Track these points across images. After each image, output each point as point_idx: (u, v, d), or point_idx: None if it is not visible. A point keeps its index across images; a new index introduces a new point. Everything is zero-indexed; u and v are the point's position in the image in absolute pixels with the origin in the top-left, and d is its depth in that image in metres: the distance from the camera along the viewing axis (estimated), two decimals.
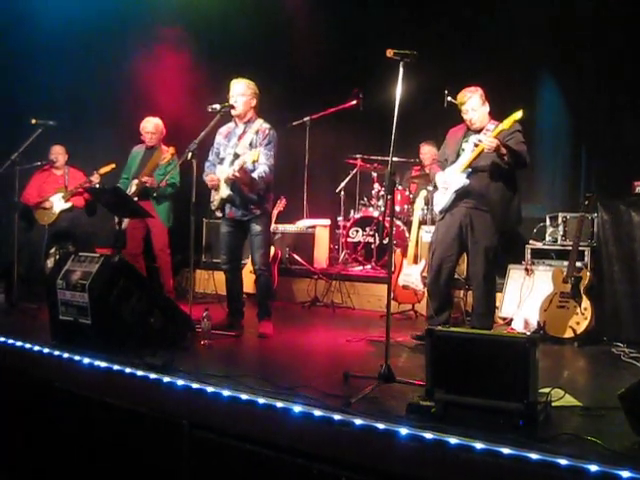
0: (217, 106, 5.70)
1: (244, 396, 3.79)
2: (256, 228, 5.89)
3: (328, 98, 9.06)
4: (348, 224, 8.71)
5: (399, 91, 4.29)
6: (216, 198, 5.92)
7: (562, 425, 3.54)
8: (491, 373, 3.44)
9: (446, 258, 5.71)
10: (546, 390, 3.80)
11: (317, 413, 3.50)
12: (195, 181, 5.63)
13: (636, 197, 5.83)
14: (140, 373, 4.28)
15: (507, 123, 5.39)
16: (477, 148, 5.53)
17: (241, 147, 5.77)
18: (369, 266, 8.44)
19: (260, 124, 5.87)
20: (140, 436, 4.11)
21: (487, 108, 5.69)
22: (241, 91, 5.83)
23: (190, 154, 5.52)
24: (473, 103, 5.63)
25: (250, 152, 5.58)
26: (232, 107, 5.79)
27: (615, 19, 7.62)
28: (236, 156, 5.70)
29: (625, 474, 2.79)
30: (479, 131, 5.67)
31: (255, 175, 5.67)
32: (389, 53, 4.26)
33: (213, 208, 6.01)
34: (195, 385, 4.01)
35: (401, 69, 4.29)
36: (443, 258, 5.71)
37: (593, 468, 2.84)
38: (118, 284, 5.01)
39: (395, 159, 8.45)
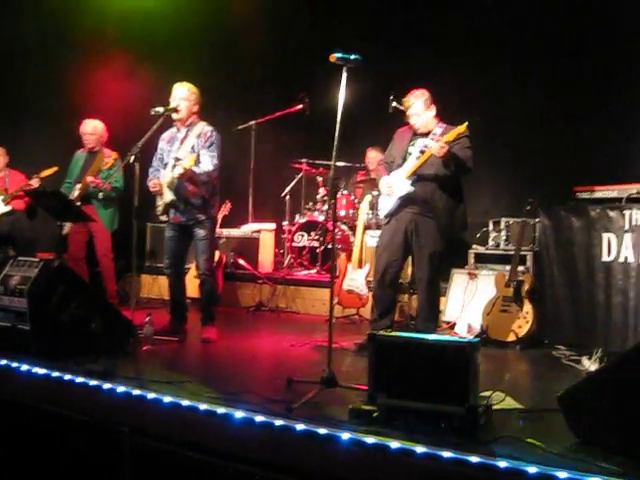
0: (160, 109, 5.62)
1: (185, 402, 3.76)
2: (200, 233, 5.85)
3: (274, 102, 9.04)
4: (293, 228, 8.68)
5: (342, 96, 4.28)
6: (160, 203, 5.86)
7: (503, 428, 3.57)
8: (433, 377, 3.46)
9: (391, 263, 5.71)
10: (487, 393, 3.84)
11: (258, 419, 3.47)
12: (138, 185, 5.56)
13: (576, 203, 5.93)
14: (80, 380, 4.20)
15: (451, 135, 5.32)
16: (424, 155, 5.52)
17: (182, 151, 5.73)
18: (314, 270, 8.43)
19: (202, 127, 5.83)
20: (81, 444, 4.03)
21: (432, 112, 5.68)
22: (184, 95, 5.78)
23: (132, 157, 5.44)
24: (417, 108, 5.63)
25: (187, 157, 5.55)
26: (176, 110, 5.74)
27: (557, 25, 7.76)
28: (177, 160, 5.65)
29: (562, 475, 2.83)
30: (426, 135, 5.70)
31: (197, 170, 5.62)
32: (332, 58, 4.24)
33: (158, 213, 5.95)
34: (136, 391, 3.96)
35: (344, 74, 4.28)
36: (388, 263, 5.71)
37: (532, 470, 2.88)
38: (58, 289, 4.93)
39: (341, 164, 8.57)
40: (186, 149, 5.75)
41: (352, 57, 4.30)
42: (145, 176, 5.84)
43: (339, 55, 4.25)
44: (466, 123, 5.34)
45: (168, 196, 5.76)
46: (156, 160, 5.97)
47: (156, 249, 8.85)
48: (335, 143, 4.29)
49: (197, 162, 5.63)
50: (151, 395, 3.89)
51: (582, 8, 7.58)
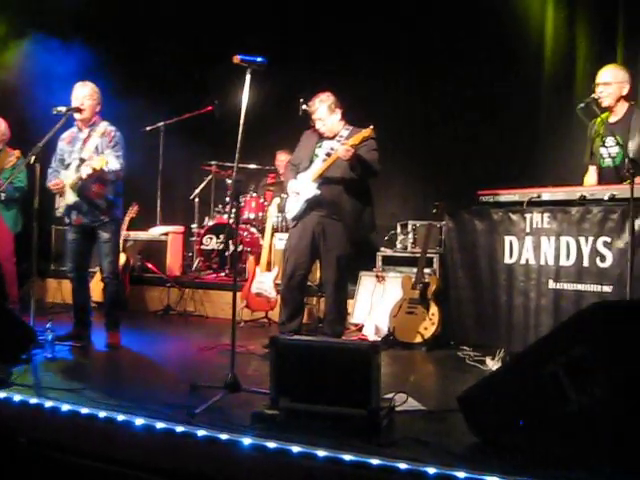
0: (63, 108, 5.50)
1: (84, 410, 3.66)
2: (104, 235, 5.73)
3: (183, 103, 8.95)
4: (202, 231, 8.62)
5: (245, 98, 4.26)
6: (61, 205, 5.72)
7: (405, 429, 3.60)
8: (335, 380, 3.47)
9: (299, 265, 5.72)
10: (390, 395, 3.88)
11: (159, 425, 3.41)
12: (39, 186, 5.41)
13: (480, 206, 6.03)
14: None
15: (357, 139, 5.38)
16: (330, 158, 5.55)
17: (86, 152, 5.60)
18: (223, 274, 8.37)
19: (105, 127, 5.71)
20: None
21: (338, 116, 5.72)
22: (87, 94, 5.65)
23: (33, 158, 5.29)
24: (320, 113, 5.67)
25: (96, 158, 5.42)
26: (79, 110, 5.61)
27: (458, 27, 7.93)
28: (82, 161, 5.52)
29: (461, 475, 2.88)
30: (332, 137, 5.72)
31: (105, 169, 5.49)
32: (235, 60, 4.21)
33: (59, 215, 5.81)
34: (33, 400, 3.84)
35: (248, 76, 4.25)
36: (296, 265, 5.72)
37: (431, 470, 2.91)
38: None
39: (251, 166, 8.51)
40: (90, 149, 5.61)
41: (257, 59, 4.28)
42: (45, 177, 5.68)
43: (242, 57, 4.22)
44: (371, 126, 5.39)
45: (70, 197, 5.62)
46: (55, 161, 5.81)
47: (61, 252, 8.57)
48: (238, 145, 4.28)
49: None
50: (49, 403, 3.78)
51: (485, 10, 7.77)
